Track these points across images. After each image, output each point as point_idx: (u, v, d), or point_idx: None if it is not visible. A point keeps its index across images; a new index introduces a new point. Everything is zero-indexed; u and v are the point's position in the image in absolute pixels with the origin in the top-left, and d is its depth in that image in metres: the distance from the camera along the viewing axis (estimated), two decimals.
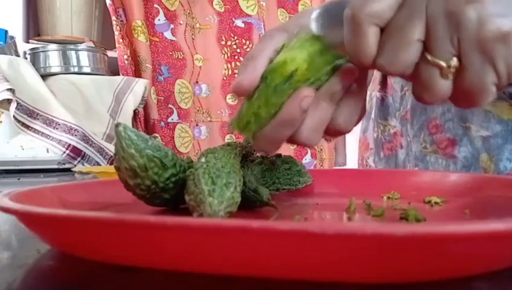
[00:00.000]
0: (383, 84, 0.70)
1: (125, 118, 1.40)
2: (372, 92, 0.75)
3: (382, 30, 0.29)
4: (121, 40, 1.58)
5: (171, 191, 0.32)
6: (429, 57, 0.28)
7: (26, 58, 1.36)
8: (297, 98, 0.31)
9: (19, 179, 0.95)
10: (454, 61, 0.28)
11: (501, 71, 0.27)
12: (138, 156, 0.29)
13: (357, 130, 0.80)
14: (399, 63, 0.28)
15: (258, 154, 0.42)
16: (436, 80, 0.28)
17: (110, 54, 1.53)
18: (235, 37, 1.81)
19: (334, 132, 0.34)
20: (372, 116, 0.73)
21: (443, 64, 0.28)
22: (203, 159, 0.31)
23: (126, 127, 0.29)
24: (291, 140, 0.34)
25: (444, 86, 0.29)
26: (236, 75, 0.35)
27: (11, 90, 1.13)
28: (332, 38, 0.31)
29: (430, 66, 0.28)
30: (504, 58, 0.27)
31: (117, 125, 0.29)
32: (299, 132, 0.33)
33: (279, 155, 0.44)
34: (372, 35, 0.28)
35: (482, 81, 0.28)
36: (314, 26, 0.32)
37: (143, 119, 1.59)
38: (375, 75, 0.73)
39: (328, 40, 0.31)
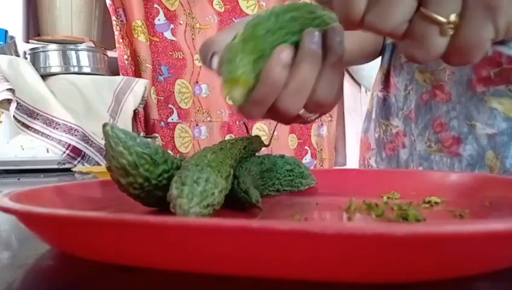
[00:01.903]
0: (385, 84, 0.70)
1: (125, 118, 1.40)
2: (374, 91, 0.75)
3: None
4: (121, 40, 1.58)
5: (165, 188, 0.32)
6: (427, 12, 0.26)
7: (26, 58, 1.36)
8: (278, 53, 0.31)
9: (19, 179, 0.95)
10: (454, 17, 0.26)
11: (501, 26, 0.26)
12: (127, 154, 0.29)
13: (358, 130, 0.80)
14: (391, 19, 0.26)
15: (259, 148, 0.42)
16: (432, 37, 0.26)
17: (110, 54, 1.53)
18: None
19: (313, 105, 0.34)
20: (374, 116, 0.73)
21: (443, 19, 0.26)
22: (183, 163, 0.31)
23: (113, 126, 0.29)
24: (275, 108, 0.33)
25: (441, 43, 0.27)
26: (201, 58, 0.35)
27: (11, 90, 1.13)
28: None
29: (427, 23, 0.26)
30: (506, 13, 0.26)
31: (104, 125, 0.29)
32: (281, 96, 0.32)
33: (282, 156, 0.44)
34: None
35: (480, 37, 0.26)
36: None
37: (143, 119, 1.59)
38: (377, 76, 0.73)
39: None
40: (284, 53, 0.31)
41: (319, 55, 0.32)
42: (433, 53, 0.27)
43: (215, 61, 0.33)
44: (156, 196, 0.32)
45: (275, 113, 0.34)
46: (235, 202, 0.34)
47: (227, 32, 0.35)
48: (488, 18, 0.26)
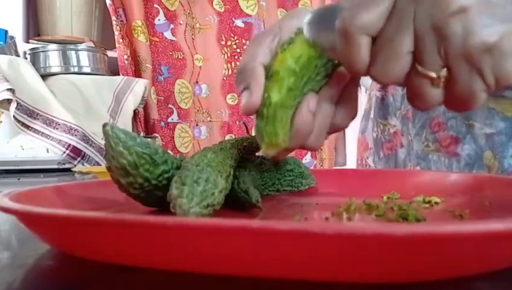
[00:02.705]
0: None
1: (125, 118, 1.40)
2: (372, 91, 0.75)
3: (374, 39, 0.29)
4: (121, 40, 1.58)
5: (165, 188, 0.32)
6: (420, 69, 0.29)
7: (26, 58, 1.36)
8: (305, 104, 0.33)
9: (19, 179, 0.95)
10: (444, 72, 0.28)
11: (489, 80, 0.28)
12: (127, 154, 0.29)
13: (356, 129, 0.80)
14: (391, 74, 0.29)
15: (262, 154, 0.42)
16: (427, 89, 0.29)
17: (110, 54, 1.53)
18: (235, 37, 1.81)
19: (333, 130, 0.36)
20: (372, 115, 0.73)
21: (433, 75, 0.28)
22: (183, 163, 0.31)
23: (113, 126, 0.29)
24: (302, 147, 0.35)
25: (436, 94, 0.29)
26: (236, 86, 0.36)
27: (11, 90, 1.13)
28: (325, 43, 0.31)
29: (421, 77, 0.29)
30: (491, 67, 0.28)
31: (104, 125, 0.29)
32: (309, 139, 0.34)
33: None
34: (364, 46, 0.29)
35: (471, 90, 0.28)
36: (306, 31, 0.32)
37: (143, 119, 1.59)
38: None
39: (320, 44, 0.32)
40: (311, 102, 0.33)
41: (338, 93, 0.34)
42: (431, 103, 0.30)
43: (244, 97, 0.33)
44: (156, 196, 0.32)
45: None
46: (235, 202, 0.34)
47: (260, 51, 0.35)
48: (473, 72, 0.28)
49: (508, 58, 0.27)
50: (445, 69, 0.28)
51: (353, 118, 0.36)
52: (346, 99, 0.35)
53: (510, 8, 0.28)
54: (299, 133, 0.33)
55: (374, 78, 0.30)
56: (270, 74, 0.33)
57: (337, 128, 0.36)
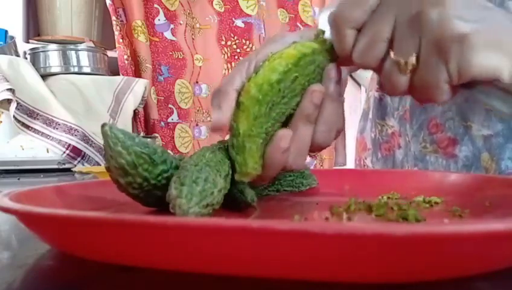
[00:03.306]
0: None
1: (125, 118, 1.40)
2: (370, 91, 0.75)
3: (359, 30, 0.33)
4: (121, 40, 1.58)
5: (164, 188, 0.32)
6: (392, 54, 0.32)
7: (26, 58, 1.36)
8: (278, 141, 0.33)
9: (19, 179, 0.95)
10: (412, 60, 0.31)
11: (452, 70, 0.30)
12: (126, 153, 0.29)
13: (355, 131, 0.80)
14: (368, 57, 0.33)
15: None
16: (395, 74, 0.32)
17: (110, 54, 1.53)
18: (235, 37, 1.81)
19: (315, 148, 0.36)
20: (370, 116, 0.73)
21: (401, 60, 0.31)
22: (182, 163, 0.31)
23: (112, 126, 0.29)
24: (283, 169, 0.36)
25: (402, 80, 0.32)
26: (211, 106, 0.36)
27: (11, 90, 1.13)
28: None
29: (392, 62, 0.32)
30: (457, 58, 0.29)
31: (103, 125, 0.29)
32: (287, 162, 0.35)
33: None
34: (349, 36, 0.33)
35: (435, 79, 0.31)
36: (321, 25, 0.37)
37: (143, 119, 1.59)
38: (374, 75, 0.73)
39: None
40: (283, 141, 0.33)
41: (315, 113, 0.35)
42: (397, 88, 0.33)
43: (215, 115, 0.35)
44: (155, 195, 0.32)
45: None
46: (231, 202, 0.34)
47: (236, 77, 0.36)
48: (440, 61, 0.30)
49: (474, 52, 0.29)
50: (413, 57, 0.31)
51: (338, 134, 0.37)
52: (327, 116, 0.35)
53: (484, 8, 0.31)
54: (271, 167, 0.34)
55: (354, 62, 0.34)
56: (238, 104, 0.34)
57: (319, 147, 0.36)
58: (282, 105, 0.34)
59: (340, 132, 0.37)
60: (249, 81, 0.34)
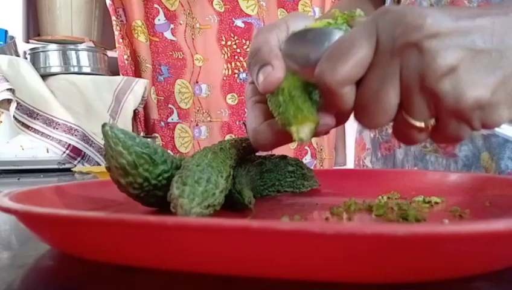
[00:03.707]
0: None
1: (125, 118, 1.40)
2: None
3: (358, 82, 0.29)
4: (121, 40, 1.58)
5: (164, 188, 0.32)
6: (407, 118, 0.29)
7: (26, 58, 1.36)
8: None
9: (19, 179, 0.95)
10: (432, 122, 0.29)
11: (476, 128, 0.29)
12: (126, 153, 0.29)
13: (355, 130, 0.80)
14: (378, 124, 0.30)
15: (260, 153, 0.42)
16: (414, 134, 0.30)
17: (110, 54, 1.53)
18: (235, 37, 1.81)
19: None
20: None
21: (421, 125, 0.29)
22: (183, 163, 0.31)
23: (112, 126, 0.29)
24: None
25: (421, 137, 0.30)
26: (248, 68, 0.34)
27: (11, 90, 1.13)
28: (299, 59, 0.31)
29: (407, 124, 0.29)
30: (479, 118, 0.29)
31: (103, 125, 0.29)
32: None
33: (285, 157, 0.43)
34: (347, 95, 0.29)
35: (458, 136, 0.30)
36: (282, 47, 0.32)
37: (143, 119, 1.59)
38: None
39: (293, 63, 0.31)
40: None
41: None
42: (415, 143, 0.31)
43: (265, 72, 0.32)
44: (155, 195, 0.32)
45: None
46: (230, 202, 0.34)
47: (271, 37, 0.34)
48: (462, 123, 0.29)
49: (496, 109, 0.28)
50: (433, 120, 0.29)
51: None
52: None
53: (495, 54, 0.28)
54: (331, 109, 0.31)
55: (362, 126, 0.31)
56: None
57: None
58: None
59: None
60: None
